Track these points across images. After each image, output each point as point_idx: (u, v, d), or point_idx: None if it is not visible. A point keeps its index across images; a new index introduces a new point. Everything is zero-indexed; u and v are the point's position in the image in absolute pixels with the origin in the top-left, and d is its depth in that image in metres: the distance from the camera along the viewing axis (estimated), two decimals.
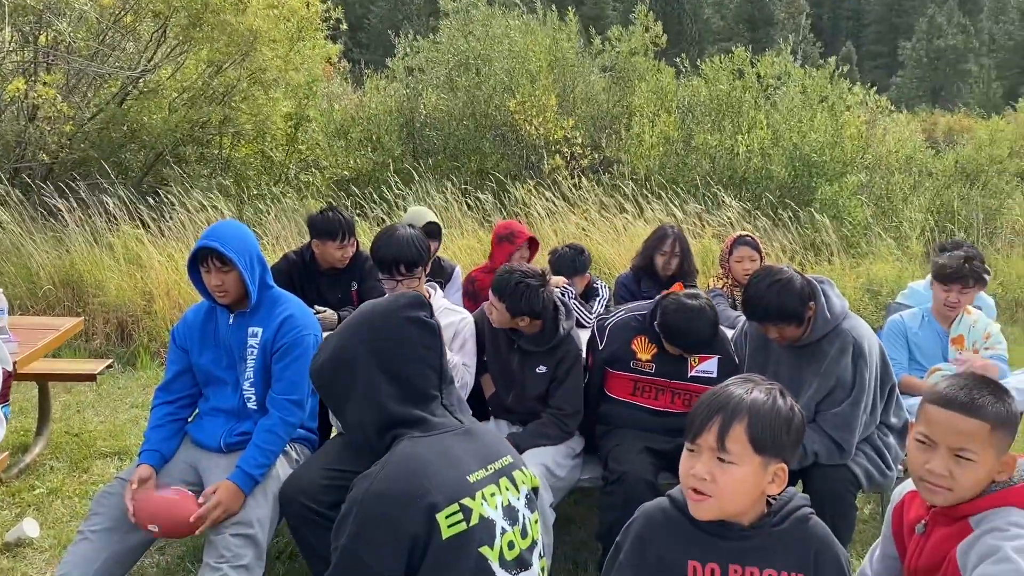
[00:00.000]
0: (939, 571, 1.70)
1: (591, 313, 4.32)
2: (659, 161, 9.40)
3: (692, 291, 3.28)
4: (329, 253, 4.08)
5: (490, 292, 3.20)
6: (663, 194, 8.64)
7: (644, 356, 3.30)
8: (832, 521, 2.70)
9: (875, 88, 10.80)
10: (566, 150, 9.51)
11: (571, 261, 4.42)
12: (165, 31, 8.42)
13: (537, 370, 3.30)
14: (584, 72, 10.88)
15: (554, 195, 8.63)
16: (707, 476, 1.56)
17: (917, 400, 3.84)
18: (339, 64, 13.05)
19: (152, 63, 8.58)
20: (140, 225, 7.28)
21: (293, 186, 9.56)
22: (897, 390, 3.24)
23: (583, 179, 9.39)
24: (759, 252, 4.43)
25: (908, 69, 53.88)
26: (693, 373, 3.29)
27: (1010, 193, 9.76)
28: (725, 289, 4.53)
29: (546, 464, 3.10)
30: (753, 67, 9.72)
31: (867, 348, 3.01)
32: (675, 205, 8.50)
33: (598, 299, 4.48)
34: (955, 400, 1.68)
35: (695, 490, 1.58)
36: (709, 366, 3.31)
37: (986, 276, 4.02)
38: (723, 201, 8.69)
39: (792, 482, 3.18)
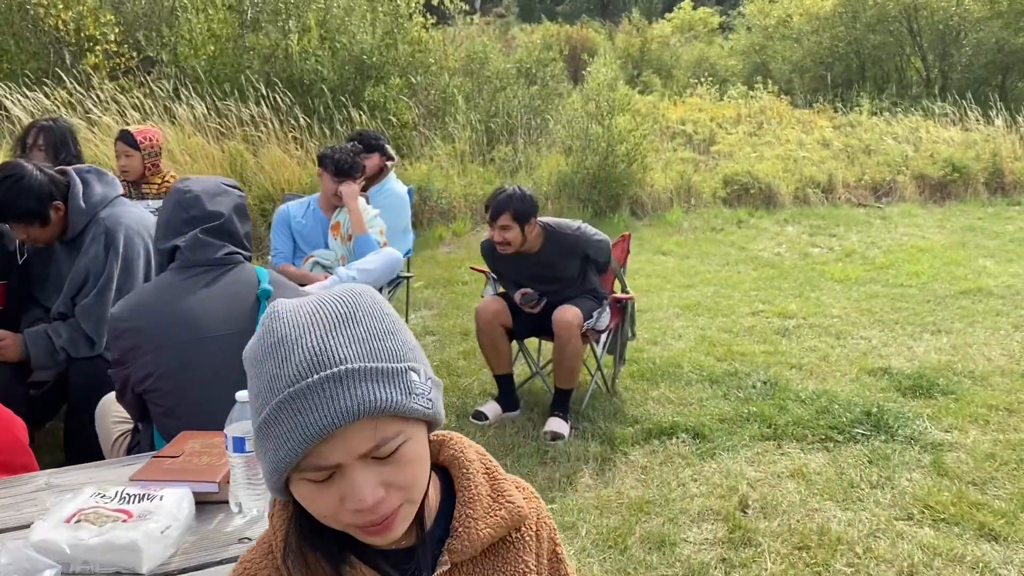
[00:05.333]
0: None
1: None
2: (213, 60, 8.88)
3: None
4: None
5: None
6: (213, 95, 8.21)
7: None
8: None
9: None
10: (100, 49, 8.66)
11: None
12: None
13: None
14: None
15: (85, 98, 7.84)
16: None
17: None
18: None
19: None
20: None
21: None
22: None
23: (132, 79, 8.66)
24: (137, 148, 4.21)
25: None
26: None
27: (559, 93, 10.55)
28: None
29: None
30: None
31: (122, 236, 2.92)
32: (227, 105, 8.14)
33: None
34: None
35: None
36: None
37: (363, 164, 4.19)
38: (281, 102, 8.46)
39: None
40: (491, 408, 3.96)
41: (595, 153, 8.91)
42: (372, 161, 4.92)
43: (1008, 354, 4.94)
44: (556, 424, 3.80)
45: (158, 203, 4.11)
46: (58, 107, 8.10)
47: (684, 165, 10.20)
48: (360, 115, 8.53)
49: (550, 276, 3.90)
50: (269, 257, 4.38)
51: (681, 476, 3.39)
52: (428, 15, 10.75)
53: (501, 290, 4.18)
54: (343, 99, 8.55)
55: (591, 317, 3.86)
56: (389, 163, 4.97)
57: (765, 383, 4.39)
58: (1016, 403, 4.15)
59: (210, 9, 8.89)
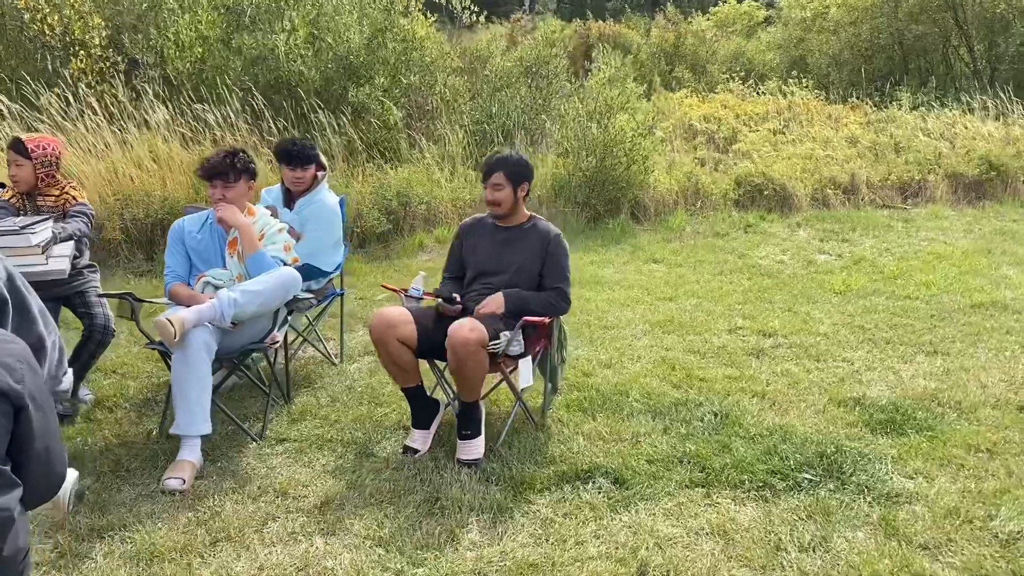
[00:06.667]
0: None
1: None
2: (197, 64, 8.66)
3: None
4: None
5: None
6: (188, 98, 7.98)
7: None
8: None
9: None
10: (83, 52, 8.50)
11: None
12: None
13: None
14: None
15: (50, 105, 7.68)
16: None
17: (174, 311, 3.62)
18: None
19: None
20: None
21: None
22: None
23: (114, 84, 8.49)
24: (27, 157, 3.92)
25: None
26: None
27: (568, 94, 10.06)
28: (14, 200, 4.04)
29: None
30: None
31: None
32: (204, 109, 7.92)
33: None
34: None
35: None
36: None
37: (252, 167, 3.86)
38: (261, 106, 8.21)
39: None
40: (419, 438, 3.63)
41: (591, 154, 8.44)
42: (310, 172, 4.63)
43: (1008, 379, 4.37)
44: (464, 450, 3.48)
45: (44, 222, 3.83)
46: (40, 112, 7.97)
47: (692, 165, 9.64)
48: (337, 118, 8.21)
49: (508, 262, 3.76)
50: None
51: (582, 532, 2.94)
52: (429, 14, 10.39)
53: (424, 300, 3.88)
54: (317, 102, 8.23)
55: (498, 339, 3.45)
56: (320, 173, 4.65)
57: (716, 415, 3.91)
58: (1002, 442, 3.61)
59: (198, 10, 8.66)
